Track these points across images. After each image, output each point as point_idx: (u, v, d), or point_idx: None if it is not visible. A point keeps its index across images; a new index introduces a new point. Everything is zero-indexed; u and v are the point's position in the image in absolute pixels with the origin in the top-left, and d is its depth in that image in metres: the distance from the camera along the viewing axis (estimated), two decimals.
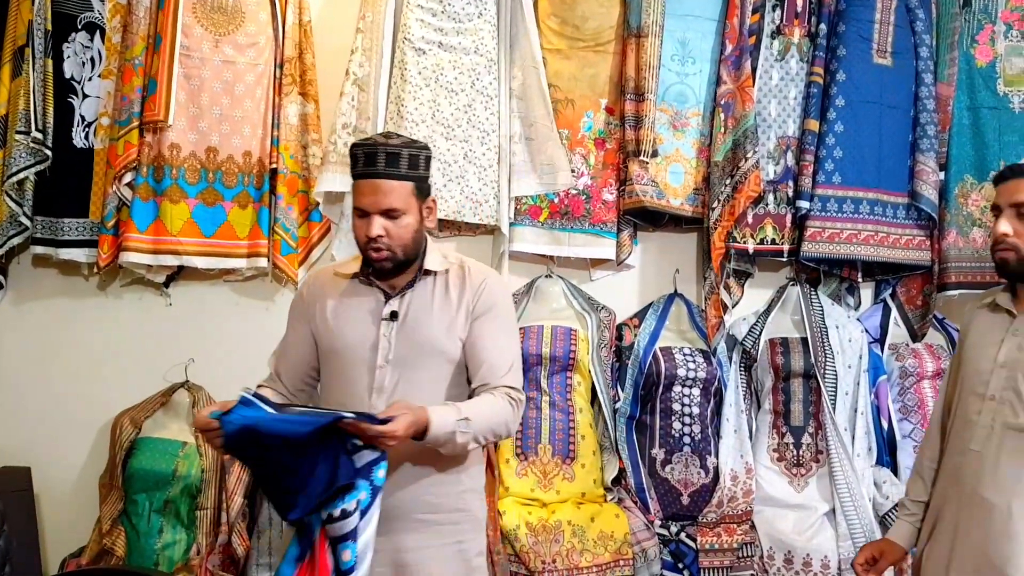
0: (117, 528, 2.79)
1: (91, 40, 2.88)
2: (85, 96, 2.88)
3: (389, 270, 1.87)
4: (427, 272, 1.92)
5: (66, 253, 2.88)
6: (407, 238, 1.84)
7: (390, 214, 1.82)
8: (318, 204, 2.99)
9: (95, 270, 2.93)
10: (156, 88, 2.80)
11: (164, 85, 2.80)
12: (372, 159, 1.81)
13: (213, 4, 2.90)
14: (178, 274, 3.02)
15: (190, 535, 2.84)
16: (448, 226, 3.17)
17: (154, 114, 2.80)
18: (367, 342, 1.88)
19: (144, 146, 2.84)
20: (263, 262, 2.95)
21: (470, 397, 1.88)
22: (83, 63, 2.88)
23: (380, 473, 1.68)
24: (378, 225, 1.81)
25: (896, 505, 2.22)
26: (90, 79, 2.89)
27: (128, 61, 2.83)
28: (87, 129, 2.89)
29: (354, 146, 1.87)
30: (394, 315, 1.88)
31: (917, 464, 2.18)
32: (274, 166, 2.95)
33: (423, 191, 1.88)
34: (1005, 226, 1.91)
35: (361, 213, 1.85)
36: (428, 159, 1.90)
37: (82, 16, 2.86)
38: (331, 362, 1.95)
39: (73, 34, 2.86)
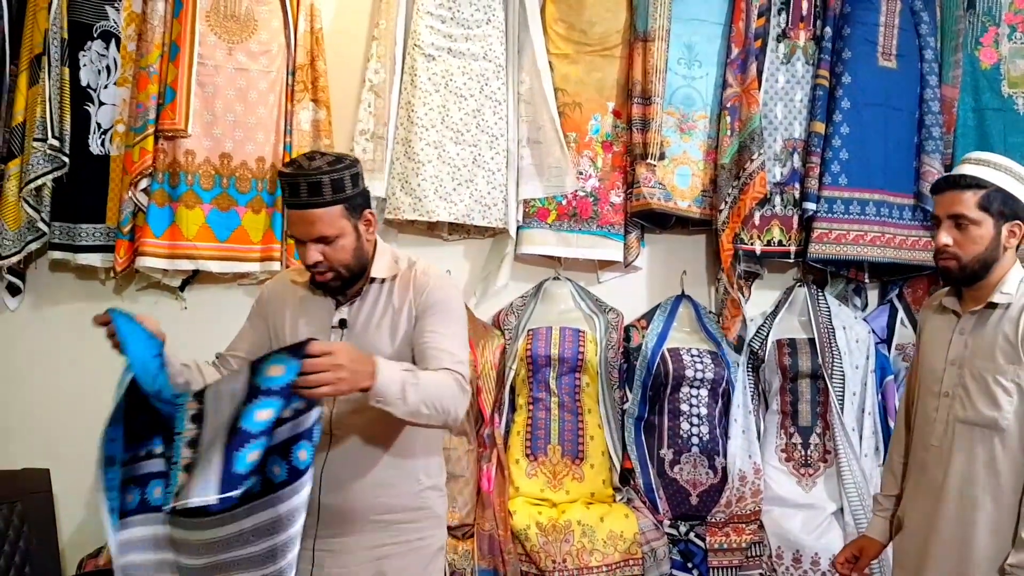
0: None
1: (107, 48, 2.91)
2: (101, 104, 2.92)
3: (338, 287, 1.88)
4: (374, 279, 1.91)
5: (83, 258, 2.91)
6: (347, 258, 1.83)
7: (323, 240, 1.80)
8: None
9: (112, 274, 2.97)
10: (175, 97, 2.84)
11: (184, 95, 2.84)
12: (295, 190, 1.77)
13: (226, 12, 2.94)
14: (193, 278, 3.05)
15: None
16: (457, 229, 3.21)
17: (174, 123, 2.84)
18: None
19: (159, 152, 2.87)
20: (276, 266, 2.98)
21: None
22: (99, 71, 2.91)
23: (301, 454, 1.55)
24: (315, 252, 1.80)
25: (873, 500, 2.31)
26: (106, 87, 2.92)
27: (143, 69, 2.86)
28: (103, 136, 2.92)
29: (279, 175, 1.84)
30: (343, 323, 1.89)
31: (888, 460, 2.27)
32: None
33: (356, 207, 1.83)
34: (946, 237, 1.99)
35: (297, 241, 1.84)
36: (356, 175, 1.83)
37: (97, 25, 2.90)
38: None
39: (89, 43, 2.89)
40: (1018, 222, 1.99)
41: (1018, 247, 2.02)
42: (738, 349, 3.15)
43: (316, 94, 3.04)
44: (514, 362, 3.07)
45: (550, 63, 3.13)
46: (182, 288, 3.06)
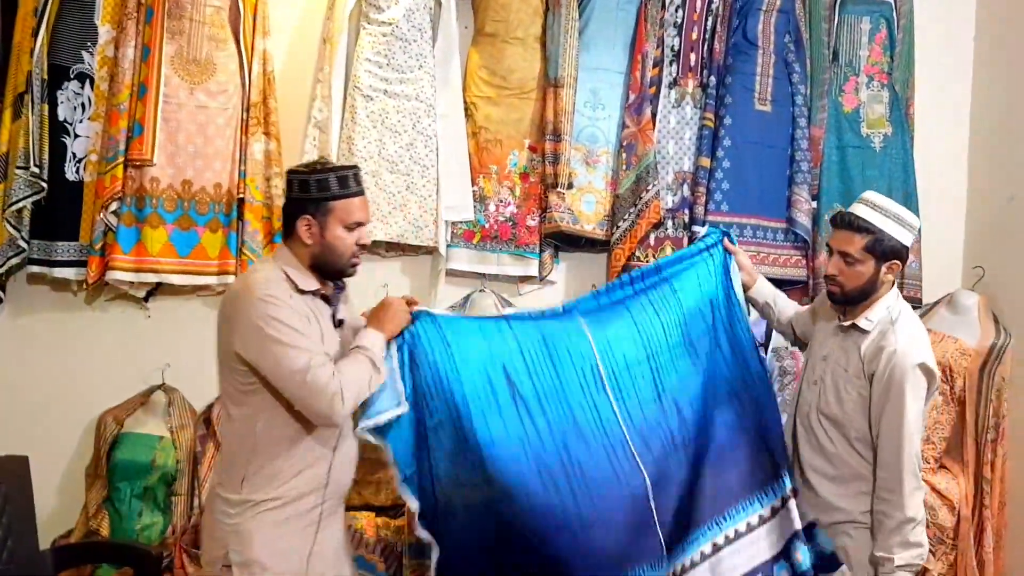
0: (101, 512, 3.15)
1: (82, 88, 3.28)
2: (76, 136, 3.27)
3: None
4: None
5: (59, 272, 3.25)
6: None
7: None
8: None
9: (84, 287, 3.32)
10: (142, 131, 3.20)
11: (150, 129, 3.21)
12: (357, 179, 2.20)
13: (188, 57, 3.32)
14: (156, 290, 3.41)
15: (166, 518, 3.22)
16: (393, 247, 3.63)
17: (141, 154, 3.20)
18: (334, 350, 2.23)
19: (128, 179, 3.23)
20: (231, 279, 3.34)
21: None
22: (75, 108, 3.27)
23: None
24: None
25: None
26: (81, 121, 3.27)
27: (114, 106, 3.23)
28: (78, 164, 3.27)
29: (326, 170, 2.16)
30: (341, 322, 2.32)
31: None
32: (241, 196, 3.38)
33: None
34: (833, 268, 2.38)
35: (357, 225, 2.17)
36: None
37: (74, 67, 3.27)
38: None
39: (66, 83, 3.25)
40: (896, 262, 2.34)
41: (894, 281, 2.39)
42: None
43: (268, 128, 3.43)
44: None
45: (475, 104, 3.59)
46: (146, 299, 3.41)
